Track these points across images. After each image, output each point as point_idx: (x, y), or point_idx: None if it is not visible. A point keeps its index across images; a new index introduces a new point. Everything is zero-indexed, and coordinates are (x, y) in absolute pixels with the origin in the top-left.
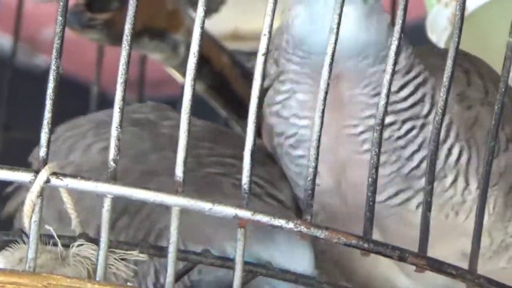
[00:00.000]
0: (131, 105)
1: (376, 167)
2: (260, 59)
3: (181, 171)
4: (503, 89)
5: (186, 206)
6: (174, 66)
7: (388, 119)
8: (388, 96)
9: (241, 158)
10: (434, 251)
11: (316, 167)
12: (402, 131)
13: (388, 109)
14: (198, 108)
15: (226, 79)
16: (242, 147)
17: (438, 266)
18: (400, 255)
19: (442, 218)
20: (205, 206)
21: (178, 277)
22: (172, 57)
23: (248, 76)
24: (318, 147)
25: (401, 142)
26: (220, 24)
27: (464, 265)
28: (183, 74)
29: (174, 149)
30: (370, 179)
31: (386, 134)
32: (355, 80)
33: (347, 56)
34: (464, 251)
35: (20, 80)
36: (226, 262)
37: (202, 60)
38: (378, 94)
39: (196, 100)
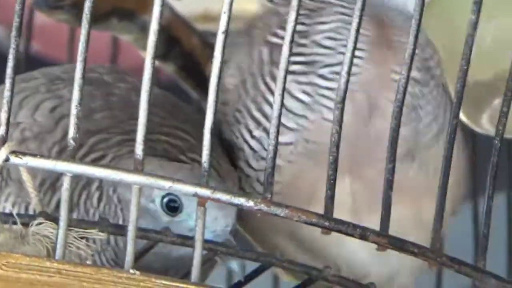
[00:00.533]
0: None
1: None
2: (220, 37)
3: (141, 150)
4: (465, 67)
5: (146, 184)
6: (143, 46)
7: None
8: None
9: (190, 134)
10: None
11: (276, 145)
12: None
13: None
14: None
15: (197, 60)
16: (194, 124)
17: (400, 245)
18: (362, 233)
19: None
20: (165, 184)
21: (138, 255)
22: (140, 38)
23: None
24: (278, 125)
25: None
26: (191, 5)
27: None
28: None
29: (123, 109)
30: (331, 157)
31: (427, 90)
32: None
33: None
34: None
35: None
36: (187, 240)
37: (173, 41)
38: None
39: (168, 81)
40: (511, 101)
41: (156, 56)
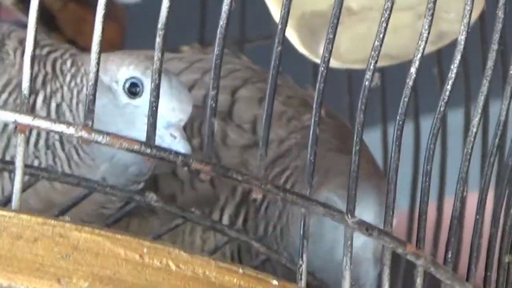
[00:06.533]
0: None
1: None
2: None
3: None
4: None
5: None
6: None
7: None
8: None
9: None
10: None
11: (97, 72)
12: None
13: None
14: None
15: None
16: None
17: (223, 172)
18: (184, 160)
19: None
20: None
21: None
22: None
23: None
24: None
25: None
26: None
27: None
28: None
29: None
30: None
31: None
32: None
33: None
34: None
35: None
36: (7, 165)
37: None
38: None
39: None
40: (337, 28)
41: None
